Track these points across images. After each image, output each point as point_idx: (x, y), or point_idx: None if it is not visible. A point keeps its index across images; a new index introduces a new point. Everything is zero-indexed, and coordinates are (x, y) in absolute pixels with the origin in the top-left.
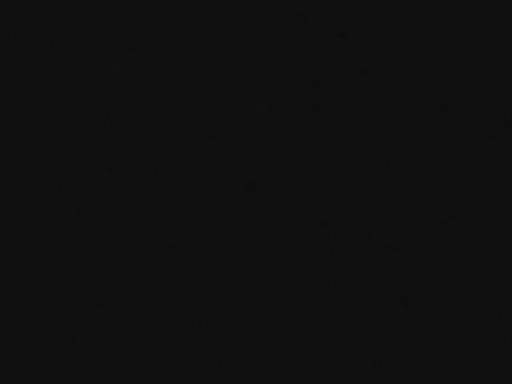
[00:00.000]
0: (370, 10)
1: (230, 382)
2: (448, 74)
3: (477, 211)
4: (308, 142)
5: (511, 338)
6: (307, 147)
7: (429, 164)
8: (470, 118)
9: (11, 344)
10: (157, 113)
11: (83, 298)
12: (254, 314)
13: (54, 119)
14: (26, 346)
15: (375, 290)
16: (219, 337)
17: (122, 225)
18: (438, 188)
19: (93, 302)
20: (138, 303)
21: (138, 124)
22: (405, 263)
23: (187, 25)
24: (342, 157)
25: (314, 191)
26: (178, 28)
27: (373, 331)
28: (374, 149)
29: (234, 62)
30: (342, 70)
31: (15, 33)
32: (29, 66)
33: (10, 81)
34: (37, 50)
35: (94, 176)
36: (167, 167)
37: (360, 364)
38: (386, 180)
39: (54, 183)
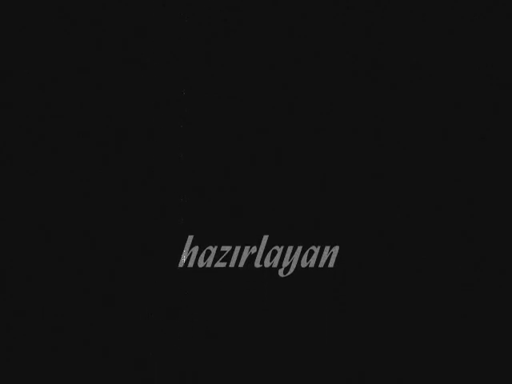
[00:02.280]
0: (370, 9)
1: (230, 382)
2: (448, 74)
3: (477, 211)
4: (308, 142)
5: (511, 338)
6: (307, 147)
7: (429, 164)
8: (470, 118)
9: (11, 344)
10: (157, 112)
11: (83, 297)
12: (254, 314)
13: (53, 119)
14: (26, 346)
15: (375, 290)
16: (219, 336)
17: (121, 224)
18: (438, 188)
19: (92, 301)
20: (137, 303)
21: (138, 123)
22: (405, 263)
23: (187, 24)
24: (342, 157)
25: (316, 191)
26: (179, 28)
27: (373, 331)
28: (374, 148)
29: (234, 62)
30: (342, 70)
31: (15, 33)
32: (29, 66)
33: (10, 81)
34: (37, 49)
35: (93, 176)
36: (167, 167)
37: (360, 364)
38: (386, 180)
39: (54, 183)
